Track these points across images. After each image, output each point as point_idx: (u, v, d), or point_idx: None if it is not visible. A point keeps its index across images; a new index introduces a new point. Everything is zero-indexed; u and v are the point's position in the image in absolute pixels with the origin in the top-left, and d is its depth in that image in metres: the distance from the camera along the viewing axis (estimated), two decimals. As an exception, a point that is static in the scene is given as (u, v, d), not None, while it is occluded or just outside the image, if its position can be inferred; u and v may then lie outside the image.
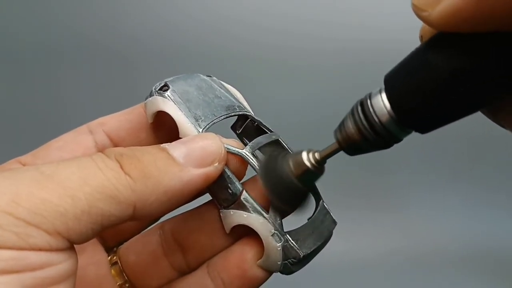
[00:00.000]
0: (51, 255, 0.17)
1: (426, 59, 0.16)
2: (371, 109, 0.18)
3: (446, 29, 0.15)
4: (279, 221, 0.23)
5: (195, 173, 0.21)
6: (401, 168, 0.75)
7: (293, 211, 0.24)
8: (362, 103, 0.19)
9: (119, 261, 0.27)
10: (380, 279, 0.68)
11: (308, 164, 0.21)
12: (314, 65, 0.72)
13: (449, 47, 0.16)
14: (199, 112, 0.25)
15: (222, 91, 0.27)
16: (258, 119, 0.27)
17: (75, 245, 0.26)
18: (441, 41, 0.16)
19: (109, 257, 0.27)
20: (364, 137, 0.19)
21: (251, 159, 0.24)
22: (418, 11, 0.16)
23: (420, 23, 0.18)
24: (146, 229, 0.28)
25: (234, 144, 0.24)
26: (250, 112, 0.27)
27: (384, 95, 0.18)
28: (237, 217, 0.24)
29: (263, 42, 0.72)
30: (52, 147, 0.25)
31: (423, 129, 0.18)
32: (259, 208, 0.23)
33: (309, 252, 0.24)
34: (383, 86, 0.18)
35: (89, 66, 0.72)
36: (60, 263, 0.18)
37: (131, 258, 0.27)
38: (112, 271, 0.27)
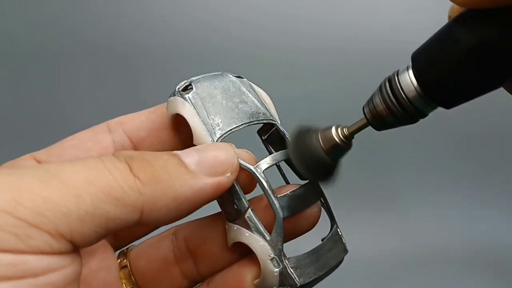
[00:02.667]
0: (53, 258, 0.16)
1: (451, 34, 0.17)
2: (398, 86, 0.19)
3: (470, 6, 0.16)
4: (280, 246, 0.22)
5: (207, 182, 0.20)
6: (401, 168, 0.75)
7: (322, 182, 0.24)
8: (390, 80, 0.20)
9: (128, 265, 0.26)
10: (380, 279, 0.68)
11: (336, 139, 0.22)
12: (314, 65, 0.72)
13: (474, 22, 0.17)
14: (217, 119, 0.24)
15: (250, 95, 0.26)
16: (283, 129, 0.26)
17: (86, 249, 0.25)
18: (466, 17, 0.17)
19: (119, 260, 0.26)
20: (392, 112, 0.20)
21: (261, 178, 0.23)
22: None
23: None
24: (159, 233, 0.27)
25: (245, 156, 0.23)
26: (275, 121, 0.26)
27: (411, 72, 0.19)
28: (239, 234, 0.23)
29: (263, 41, 0.72)
30: (67, 145, 0.24)
31: (448, 104, 0.19)
32: (261, 229, 0.22)
33: (307, 282, 0.23)
34: (410, 63, 0.19)
35: (93, 65, 0.72)
36: (63, 268, 0.17)
37: (141, 263, 0.26)
38: (121, 274, 0.26)
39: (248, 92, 0.26)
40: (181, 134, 0.26)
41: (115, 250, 0.26)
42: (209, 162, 0.21)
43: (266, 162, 0.24)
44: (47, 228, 0.16)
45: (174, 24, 0.72)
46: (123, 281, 0.26)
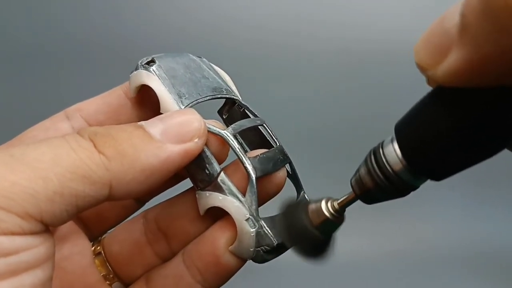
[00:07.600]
0: (25, 239, 0.17)
1: (429, 111, 0.16)
2: (383, 159, 0.18)
3: (450, 85, 0.15)
4: (255, 206, 0.22)
5: (174, 150, 0.20)
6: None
7: (313, 260, 0.23)
8: (375, 153, 0.19)
9: (102, 252, 0.26)
10: (381, 279, 0.68)
11: (327, 213, 0.21)
12: (315, 65, 0.72)
13: (454, 100, 0.16)
14: (183, 89, 0.24)
15: (211, 72, 0.26)
16: (245, 104, 0.26)
17: (58, 235, 0.25)
18: (446, 94, 0.16)
19: (93, 248, 0.26)
20: (379, 186, 0.19)
21: (232, 140, 0.23)
22: (422, 70, 0.16)
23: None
24: (129, 217, 0.27)
25: (215, 125, 0.23)
26: (237, 97, 0.26)
27: (395, 144, 0.18)
28: (212, 199, 0.23)
29: (264, 41, 0.72)
30: (28, 136, 0.24)
31: (437, 177, 0.18)
32: (235, 191, 0.22)
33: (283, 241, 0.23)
34: (394, 135, 0.18)
35: (93, 65, 0.72)
36: (36, 247, 0.17)
37: (114, 248, 0.26)
38: (96, 261, 0.26)
39: (209, 70, 0.26)
40: (142, 112, 0.26)
41: (91, 240, 0.26)
42: (174, 129, 0.21)
43: (232, 128, 0.23)
44: (15, 210, 0.16)
45: (174, 24, 0.72)
46: (98, 267, 0.26)
